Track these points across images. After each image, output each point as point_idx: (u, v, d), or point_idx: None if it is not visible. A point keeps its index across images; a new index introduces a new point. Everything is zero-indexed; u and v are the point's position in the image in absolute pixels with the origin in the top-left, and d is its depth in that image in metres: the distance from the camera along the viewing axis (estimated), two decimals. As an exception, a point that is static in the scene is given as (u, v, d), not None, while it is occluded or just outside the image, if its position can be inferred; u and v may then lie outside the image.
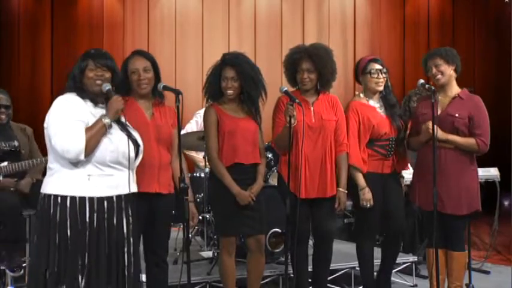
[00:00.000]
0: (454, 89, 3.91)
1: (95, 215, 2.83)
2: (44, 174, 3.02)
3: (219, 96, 3.84)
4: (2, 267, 4.30)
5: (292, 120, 3.60)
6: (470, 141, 3.78)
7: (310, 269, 4.11)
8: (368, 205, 3.91)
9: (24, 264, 4.29)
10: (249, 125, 3.79)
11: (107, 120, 2.87)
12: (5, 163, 4.37)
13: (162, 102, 3.55)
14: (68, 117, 2.81)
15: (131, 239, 2.95)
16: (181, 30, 8.69)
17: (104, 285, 2.84)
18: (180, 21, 8.69)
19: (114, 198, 2.90)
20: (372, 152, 4.01)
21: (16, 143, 4.53)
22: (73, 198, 2.81)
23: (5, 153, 4.43)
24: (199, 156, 5.90)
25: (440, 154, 3.81)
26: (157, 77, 3.50)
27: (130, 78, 3.43)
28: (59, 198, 2.80)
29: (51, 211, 2.80)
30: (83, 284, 2.78)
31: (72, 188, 2.82)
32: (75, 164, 2.81)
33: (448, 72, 3.87)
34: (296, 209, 3.69)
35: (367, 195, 3.92)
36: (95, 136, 2.82)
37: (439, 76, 3.87)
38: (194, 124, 5.90)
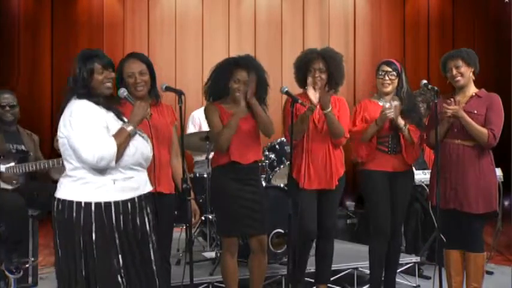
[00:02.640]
0: (472, 89, 3.93)
1: (121, 217, 2.82)
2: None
3: (223, 95, 3.84)
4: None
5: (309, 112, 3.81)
6: (483, 130, 3.77)
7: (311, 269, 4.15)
8: (391, 114, 3.95)
9: (27, 265, 4.28)
10: (249, 125, 3.82)
11: (130, 128, 2.86)
12: (12, 164, 4.36)
13: (159, 102, 3.54)
14: (93, 126, 2.78)
15: (153, 236, 2.96)
16: (181, 30, 8.66)
17: (144, 285, 2.86)
18: (180, 21, 8.67)
19: (136, 199, 2.90)
20: (374, 150, 4.09)
21: (23, 148, 4.54)
22: (98, 204, 2.78)
23: (12, 155, 4.42)
24: (201, 157, 5.89)
25: (458, 152, 3.83)
26: (153, 79, 3.49)
27: (127, 81, 3.41)
28: (83, 203, 2.77)
29: (74, 215, 2.77)
30: (124, 283, 2.79)
31: (97, 194, 2.79)
32: (101, 170, 2.79)
33: (467, 74, 3.89)
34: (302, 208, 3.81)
35: (383, 112, 3.96)
36: (123, 144, 2.81)
37: (459, 78, 3.89)
38: (192, 129, 5.90)
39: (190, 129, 5.90)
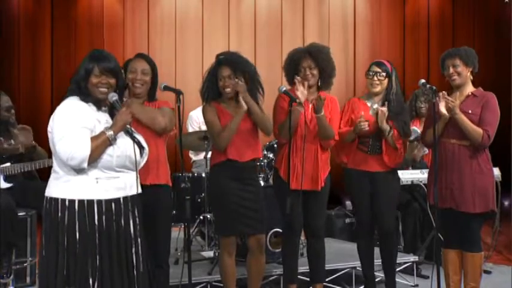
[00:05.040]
0: (469, 89, 3.93)
1: (104, 217, 2.82)
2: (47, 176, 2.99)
3: (218, 97, 3.86)
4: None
5: (300, 108, 3.79)
6: (477, 129, 3.76)
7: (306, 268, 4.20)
8: (366, 127, 3.96)
9: (25, 264, 4.26)
10: (247, 123, 3.82)
11: (110, 133, 2.84)
12: (8, 164, 4.37)
13: (154, 104, 3.57)
14: (73, 124, 2.79)
15: (139, 240, 2.94)
16: (181, 30, 8.68)
17: (119, 287, 2.84)
18: (180, 21, 8.69)
19: (121, 200, 2.89)
20: (355, 150, 4.12)
21: (12, 142, 4.52)
22: (81, 201, 2.79)
23: (8, 155, 4.42)
24: (199, 156, 5.90)
25: (454, 151, 3.83)
26: (154, 83, 3.53)
27: (128, 77, 3.46)
28: (67, 201, 2.79)
29: (59, 214, 2.79)
30: (95, 286, 2.77)
31: (81, 192, 2.80)
32: (82, 168, 2.79)
33: (465, 73, 3.88)
34: (295, 206, 3.79)
35: (358, 124, 3.96)
36: (99, 148, 2.80)
37: (456, 77, 3.88)
38: (191, 130, 5.90)
39: (190, 130, 5.90)
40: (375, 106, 4.08)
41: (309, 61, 3.98)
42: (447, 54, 3.94)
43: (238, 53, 3.91)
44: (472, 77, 3.93)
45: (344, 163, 4.19)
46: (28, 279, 4.50)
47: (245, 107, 3.71)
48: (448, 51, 3.97)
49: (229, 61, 3.80)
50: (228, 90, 3.78)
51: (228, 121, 3.76)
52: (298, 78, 3.92)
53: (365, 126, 3.96)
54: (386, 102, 4.10)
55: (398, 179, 4.33)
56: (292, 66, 4.03)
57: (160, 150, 3.47)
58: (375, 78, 4.11)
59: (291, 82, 4.06)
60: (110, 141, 2.84)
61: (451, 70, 3.88)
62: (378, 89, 4.12)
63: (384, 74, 4.10)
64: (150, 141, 3.38)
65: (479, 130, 3.76)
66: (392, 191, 4.19)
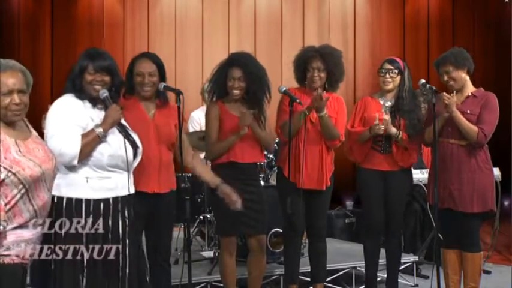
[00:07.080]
0: (469, 89, 3.93)
1: (91, 216, 2.80)
2: None
3: (224, 95, 3.86)
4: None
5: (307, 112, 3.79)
6: (473, 127, 3.76)
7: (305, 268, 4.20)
8: (381, 130, 3.96)
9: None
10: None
11: (99, 130, 2.83)
12: None
13: (166, 103, 3.55)
14: (66, 121, 2.79)
15: (127, 241, 2.91)
16: (181, 30, 8.68)
17: (103, 287, 2.82)
18: (180, 21, 8.68)
19: (111, 201, 2.87)
20: (369, 149, 4.11)
21: None
22: (69, 199, 2.79)
23: None
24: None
25: (453, 151, 3.83)
26: (162, 81, 3.51)
27: (135, 79, 3.43)
28: (55, 198, 2.77)
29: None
30: (84, 283, 2.76)
31: (70, 190, 2.80)
32: (73, 166, 2.79)
33: (459, 76, 3.89)
34: (297, 204, 3.80)
35: (375, 127, 3.96)
36: (88, 145, 2.80)
37: (452, 83, 3.90)
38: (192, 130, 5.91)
39: (190, 130, 5.89)
40: (388, 104, 4.09)
41: (319, 63, 3.96)
42: (439, 61, 3.95)
43: (251, 54, 3.92)
44: (468, 77, 3.92)
45: (358, 162, 4.18)
46: (28, 279, 4.49)
47: (246, 130, 3.71)
48: (439, 59, 3.98)
49: (241, 62, 3.79)
50: (235, 92, 3.78)
51: (230, 123, 3.75)
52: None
53: (381, 129, 3.96)
54: (388, 112, 4.08)
55: (411, 178, 4.33)
56: (302, 65, 4.03)
57: (163, 155, 3.44)
58: (387, 75, 4.11)
59: (298, 79, 4.08)
60: (100, 138, 2.83)
61: (446, 77, 3.90)
62: (390, 86, 4.13)
63: (396, 71, 4.10)
64: (162, 149, 3.39)
65: (475, 128, 3.76)
66: (404, 190, 4.20)
